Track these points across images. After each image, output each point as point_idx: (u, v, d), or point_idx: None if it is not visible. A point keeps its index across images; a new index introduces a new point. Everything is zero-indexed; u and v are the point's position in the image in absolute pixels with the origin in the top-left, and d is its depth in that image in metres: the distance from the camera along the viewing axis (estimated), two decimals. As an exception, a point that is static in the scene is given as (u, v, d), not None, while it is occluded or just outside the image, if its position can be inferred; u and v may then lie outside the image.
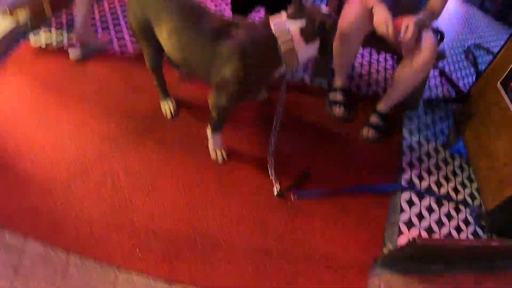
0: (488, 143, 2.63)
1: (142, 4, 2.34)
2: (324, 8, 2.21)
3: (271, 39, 2.10)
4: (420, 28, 2.53)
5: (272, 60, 2.18)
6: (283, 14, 2.15)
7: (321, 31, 2.11)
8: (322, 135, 2.97)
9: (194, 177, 2.54)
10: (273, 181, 2.57)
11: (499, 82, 2.61)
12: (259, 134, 2.86)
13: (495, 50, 2.84)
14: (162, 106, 2.86)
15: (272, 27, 2.10)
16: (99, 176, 2.44)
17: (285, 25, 2.09)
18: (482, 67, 4.04)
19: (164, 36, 2.29)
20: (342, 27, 2.67)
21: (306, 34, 2.11)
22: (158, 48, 2.51)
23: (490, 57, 3.14)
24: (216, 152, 2.64)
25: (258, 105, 3.03)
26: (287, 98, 2.85)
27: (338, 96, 3.10)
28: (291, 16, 2.11)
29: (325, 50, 2.25)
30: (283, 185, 2.59)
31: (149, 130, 2.76)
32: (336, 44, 2.76)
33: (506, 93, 2.53)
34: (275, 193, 2.54)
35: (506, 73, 2.58)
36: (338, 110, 3.05)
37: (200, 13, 2.24)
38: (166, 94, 2.85)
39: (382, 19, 2.51)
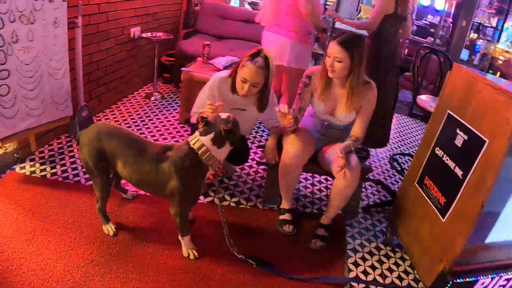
0: (416, 232, 3.01)
1: (98, 144, 2.78)
2: (223, 115, 2.76)
3: (193, 152, 2.69)
4: (346, 152, 3.06)
5: (199, 167, 2.74)
6: (197, 133, 2.73)
7: (227, 135, 2.69)
8: (276, 245, 3.30)
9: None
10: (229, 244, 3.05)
11: (416, 181, 3.08)
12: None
13: None
14: (104, 228, 3.10)
15: (191, 145, 2.69)
16: None
17: (199, 141, 2.69)
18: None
19: (120, 167, 2.80)
20: (285, 161, 3.24)
21: (216, 142, 2.70)
22: (108, 179, 2.99)
23: None
24: (188, 252, 3.01)
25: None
26: (245, 220, 3.39)
27: (286, 216, 3.47)
28: (202, 134, 2.71)
29: (236, 146, 2.83)
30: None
31: (124, 252, 2.96)
32: (281, 174, 3.32)
33: (422, 190, 2.99)
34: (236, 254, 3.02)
35: (420, 172, 3.05)
36: (288, 228, 3.41)
37: (143, 144, 2.82)
38: (107, 218, 3.13)
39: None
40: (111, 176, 3.12)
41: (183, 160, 2.70)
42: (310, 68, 3.40)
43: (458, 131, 2.72)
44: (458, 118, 2.75)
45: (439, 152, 2.89)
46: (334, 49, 3.04)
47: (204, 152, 2.67)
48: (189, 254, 3.02)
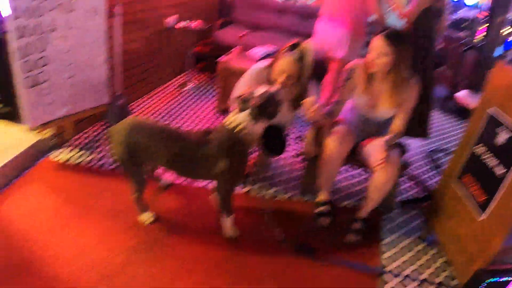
0: (453, 231, 2.98)
1: (131, 140, 2.78)
2: (260, 90, 2.77)
3: (231, 131, 2.72)
4: (387, 147, 3.04)
5: (241, 144, 2.75)
6: (235, 111, 2.76)
7: (260, 111, 2.70)
8: (311, 237, 3.28)
9: (206, 277, 2.77)
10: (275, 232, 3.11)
11: (455, 179, 3.04)
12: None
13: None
14: (141, 217, 3.14)
15: (227, 124, 2.73)
16: (123, 281, 2.63)
17: (236, 118, 2.71)
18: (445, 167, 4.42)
19: (163, 160, 2.84)
20: (326, 153, 3.24)
21: (253, 117, 2.69)
22: (143, 172, 3.02)
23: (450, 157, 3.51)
24: (231, 232, 3.09)
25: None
26: (282, 211, 3.40)
27: (324, 209, 3.48)
28: (240, 111, 2.74)
29: (270, 116, 2.81)
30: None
31: (162, 240, 3.01)
32: (321, 166, 3.33)
33: (461, 187, 2.95)
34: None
35: (459, 169, 3.01)
36: (325, 221, 3.41)
37: (181, 134, 2.86)
38: (145, 207, 3.16)
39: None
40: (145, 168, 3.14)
41: (225, 140, 2.74)
42: (352, 62, 3.36)
43: (500, 129, 2.68)
44: (501, 117, 2.70)
45: (479, 150, 2.84)
46: (379, 43, 3.00)
47: (242, 128, 2.70)
48: (232, 235, 3.10)
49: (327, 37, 4.76)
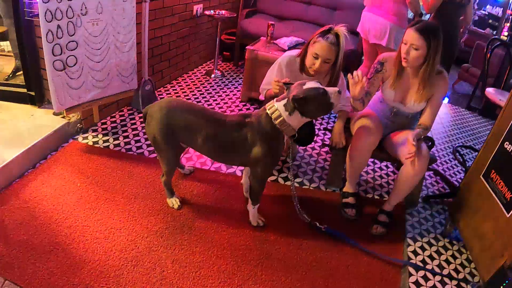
0: (478, 227, 2.93)
1: (170, 120, 2.78)
2: (309, 84, 2.65)
3: (269, 117, 2.68)
4: (417, 140, 3.01)
5: (277, 131, 2.71)
6: (274, 100, 2.71)
7: (294, 104, 2.59)
8: (337, 227, 3.22)
9: (232, 264, 2.76)
10: (302, 216, 3.13)
11: (481, 175, 3.00)
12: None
13: (480, 146, 3.21)
14: (169, 201, 3.18)
15: (267, 110, 2.68)
16: (149, 264, 2.64)
17: (274, 106, 2.67)
18: (470, 163, 4.38)
19: (199, 142, 2.79)
20: (355, 145, 3.24)
21: (288, 108, 2.63)
22: (177, 154, 3.04)
23: (476, 153, 3.48)
24: (257, 221, 3.11)
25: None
26: (307, 201, 3.40)
27: (350, 200, 3.48)
28: (278, 100, 2.69)
29: (306, 115, 2.68)
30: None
31: (189, 225, 3.03)
32: (350, 157, 3.34)
33: (488, 184, 2.90)
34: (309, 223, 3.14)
35: (486, 166, 2.96)
36: (350, 212, 3.41)
37: (220, 116, 2.83)
38: (172, 192, 3.20)
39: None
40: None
41: (262, 125, 2.71)
42: (383, 54, 3.34)
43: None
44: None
45: (508, 146, 2.80)
46: (412, 36, 2.97)
47: (277, 117, 2.65)
48: (258, 223, 3.13)
49: (372, 25, 4.91)
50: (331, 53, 3.17)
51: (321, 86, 2.63)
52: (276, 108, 2.66)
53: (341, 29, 3.19)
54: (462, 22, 5.27)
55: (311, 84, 2.63)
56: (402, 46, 3.05)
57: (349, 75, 2.95)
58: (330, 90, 2.62)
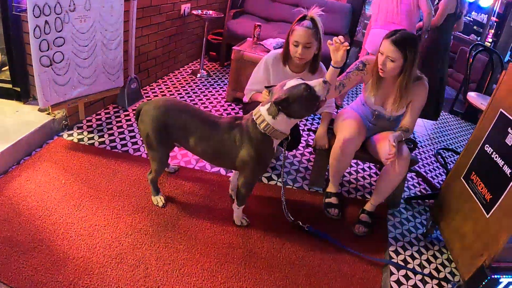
0: (459, 228, 2.98)
1: (165, 118, 2.76)
2: (290, 83, 2.58)
3: (254, 123, 2.67)
4: (397, 141, 3.03)
5: (265, 136, 2.68)
6: (260, 105, 2.70)
7: (277, 107, 2.55)
8: (320, 227, 3.24)
9: (215, 262, 2.77)
10: (287, 216, 3.13)
11: (462, 177, 3.04)
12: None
13: (462, 149, 3.21)
14: (154, 199, 3.17)
15: (253, 115, 2.68)
16: (133, 261, 2.63)
17: (259, 111, 2.65)
18: (452, 165, 4.36)
19: (192, 143, 2.79)
20: (339, 146, 3.25)
21: (270, 112, 2.60)
22: (167, 153, 3.03)
23: (457, 156, 3.51)
24: (241, 221, 3.12)
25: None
26: (290, 201, 3.40)
27: (333, 200, 3.51)
28: (263, 104, 2.67)
29: (292, 115, 2.62)
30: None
31: (173, 223, 3.02)
32: (333, 158, 3.35)
33: (468, 185, 2.95)
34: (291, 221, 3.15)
35: (467, 168, 3.01)
36: (333, 211, 3.44)
37: (213, 118, 2.83)
38: (158, 190, 3.20)
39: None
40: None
41: (249, 129, 2.70)
42: (366, 57, 3.36)
43: (510, 130, 2.67)
44: (511, 118, 2.70)
45: (488, 149, 2.84)
46: (388, 48, 2.98)
47: (261, 122, 2.63)
48: (241, 223, 3.14)
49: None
50: (309, 37, 3.22)
51: (302, 81, 2.58)
52: (261, 113, 2.65)
53: (315, 11, 3.27)
54: (454, 29, 5.59)
55: (292, 83, 2.59)
56: (379, 56, 3.07)
57: (328, 41, 2.92)
58: (314, 82, 2.59)
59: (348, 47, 2.90)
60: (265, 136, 2.68)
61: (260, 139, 2.69)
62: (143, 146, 3.79)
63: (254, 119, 2.67)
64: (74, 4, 3.32)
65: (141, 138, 2.95)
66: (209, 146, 2.79)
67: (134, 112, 3.53)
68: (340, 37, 2.87)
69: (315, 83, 2.58)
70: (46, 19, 3.16)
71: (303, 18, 3.27)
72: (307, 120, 5.20)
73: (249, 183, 2.91)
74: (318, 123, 3.67)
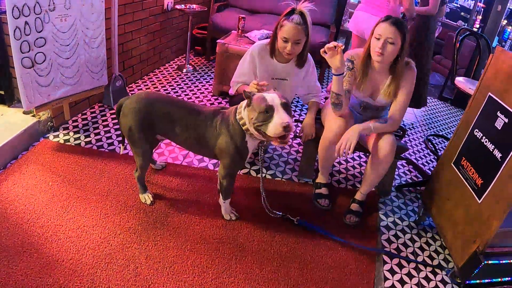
0: (450, 214, 2.99)
1: (148, 112, 2.73)
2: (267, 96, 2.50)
3: (236, 120, 2.67)
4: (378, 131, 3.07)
5: (242, 131, 2.68)
6: (243, 104, 2.65)
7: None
8: (310, 218, 3.25)
9: (206, 258, 2.76)
10: (272, 212, 3.15)
11: (452, 162, 3.05)
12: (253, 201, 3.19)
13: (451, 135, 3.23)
14: (141, 197, 3.15)
15: (237, 112, 2.67)
16: (123, 261, 2.61)
17: (241, 113, 2.63)
18: (442, 152, 4.48)
19: (178, 131, 2.78)
20: (327, 136, 3.23)
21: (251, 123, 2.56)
22: (151, 148, 2.99)
23: (447, 142, 3.51)
24: (230, 215, 3.10)
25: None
26: (280, 193, 3.40)
27: (322, 191, 3.51)
28: (246, 107, 2.60)
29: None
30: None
31: (162, 220, 3.00)
32: (321, 148, 3.33)
33: (459, 171, 2.96)
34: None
35: (457, 153, 3.02)
36: (323, 202, 3.43)
37: (197, 107, 2.83)
38: (145, 187, 3.17)
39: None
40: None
41: (231, 116, 2.70)
42: (350, 52, 3.30)
43: (499, 113, 2.67)
44: (500, 101, 2.69)
45: (478, 134, 2.84)
46: (388, 29, 2.93)
47: (244, 124, 2.63)
48: (230, 217, 3.13)
49: (369, 25, 4.88)
50: (299, 33, 3.19)
51: (280, 101, 2.49)
52: (242, 116, 2.64)
53: (304, 5, 3.22)
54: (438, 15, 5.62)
55: (270, 99, 2.48)
56: (376, 42, 3.01)
57: (321, 51, 2.90)
58: (277, 120, 2.45)
59: (343, 46, 2.89)
60: (241, 128, 2.67)
61: (237, 129, 2.69)
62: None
63: (237, 119, 2.67)
64: (53, 4, 3.26)
65: (123, 134, 2.90)
66: (193, 133, 2.78)
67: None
68: (332, 43, 2.86)
69: (278, 121, 2.44)
70: (26, 19, 3.10)
71: (292, 12, 3.21)
72: (294, 111, 5.20)
73: (229, 174, 2.88)
74: (305, 114, 3.64)
